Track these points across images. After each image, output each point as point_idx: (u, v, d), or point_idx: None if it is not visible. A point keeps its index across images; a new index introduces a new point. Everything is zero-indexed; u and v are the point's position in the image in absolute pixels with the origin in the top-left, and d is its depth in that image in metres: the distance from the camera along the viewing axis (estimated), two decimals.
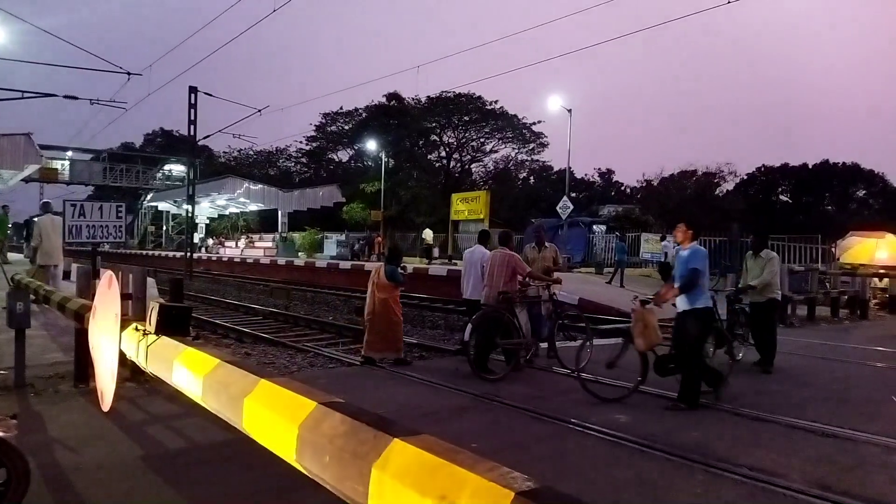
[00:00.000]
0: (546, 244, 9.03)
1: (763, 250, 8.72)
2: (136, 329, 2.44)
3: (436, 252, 32.45)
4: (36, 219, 11.81)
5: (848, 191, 57.67)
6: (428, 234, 33.01)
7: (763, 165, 59.81)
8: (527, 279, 8.03)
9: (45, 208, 11.76)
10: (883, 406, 6.46)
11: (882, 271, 18.61)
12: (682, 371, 6.26)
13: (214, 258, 41.89)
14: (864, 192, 57.62)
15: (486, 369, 7.45)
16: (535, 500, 1.00)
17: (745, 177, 57.95)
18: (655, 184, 53.28)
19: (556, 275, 8.63)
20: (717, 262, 21.67)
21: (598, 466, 4.41)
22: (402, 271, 8.17)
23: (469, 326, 7.42)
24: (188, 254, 30.97)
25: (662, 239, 21.97)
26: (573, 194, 38.07)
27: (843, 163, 57.28)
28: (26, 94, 20.56)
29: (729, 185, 55.55)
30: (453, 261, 28.71)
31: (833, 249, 22.41)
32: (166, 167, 56.46)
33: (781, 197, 59.38)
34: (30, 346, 6.67)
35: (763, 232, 9.98)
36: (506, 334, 7.45)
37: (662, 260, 20.57)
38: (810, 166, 57.79)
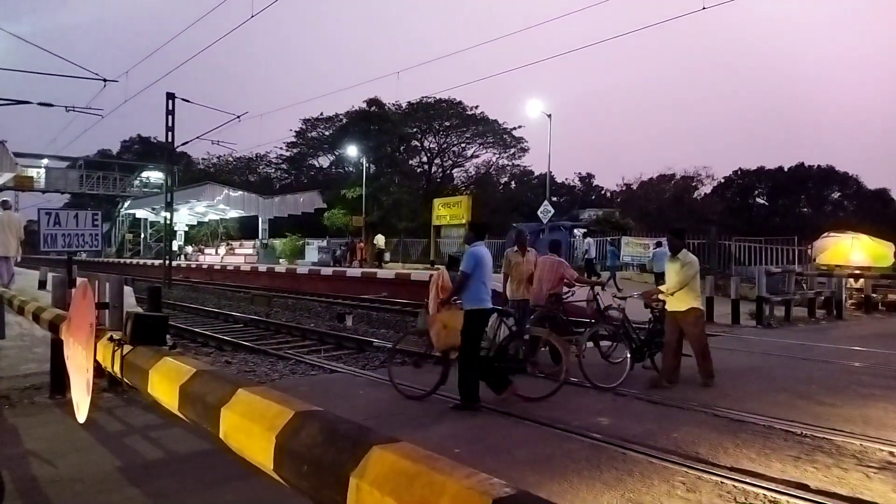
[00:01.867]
0: (528, 248, 9.09)
1: (681, 251, 7.57)
2: (112, 339, 2.41)
3: (387, 256, 32.86)
4: None
5: (823, 193, 58.71)
6: (379, 240, 33.44)
7: (740, 169, 60.75)
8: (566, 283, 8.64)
9: (4, 206, 11.87)
10: (859, 406, 6.56)
11: (857, 272, 18.98)
12: (459, 370, 6.22)
13: (194, 266, 41.44)
14: (838, 194, 58.69)
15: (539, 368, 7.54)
16: None
17: (723, 180, 58.79)
18: (635, 188, 53.78)
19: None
20: None
21: (580, 470, 4.42)
22: None
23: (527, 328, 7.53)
24: (167, 262, 30.59)
25: (658, 245, 22.23)
26: (554, 198, 38.35)
27: (818, 165, 58.39)
28: None
29: (706, 189, 56.36)
30: (436, 266, 28.69)
31: (809, 251, 22.77)
32: (144, 174, 55.82)
33: (758, 199, 60.26)
34: (4, 358, 6.56)
35: (679, 230, 8.30)
36: (561, 332, 7.68)
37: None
38: (786, 169, 58.75)
